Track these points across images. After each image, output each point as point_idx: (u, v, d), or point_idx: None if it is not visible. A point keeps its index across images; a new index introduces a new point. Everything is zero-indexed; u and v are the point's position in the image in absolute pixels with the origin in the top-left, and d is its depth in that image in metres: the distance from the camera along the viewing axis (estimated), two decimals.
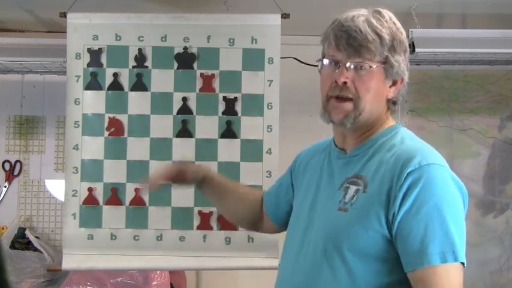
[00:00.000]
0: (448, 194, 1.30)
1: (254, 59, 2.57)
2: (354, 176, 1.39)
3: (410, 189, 1.28)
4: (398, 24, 1.42)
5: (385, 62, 1.38)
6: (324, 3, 2.77)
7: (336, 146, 1.50)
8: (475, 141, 3.26)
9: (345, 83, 1.37)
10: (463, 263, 1.27)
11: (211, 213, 2.56)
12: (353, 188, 1.37)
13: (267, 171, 2.55)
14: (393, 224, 1.29)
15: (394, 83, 1.42)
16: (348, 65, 1.37)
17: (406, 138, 1.42)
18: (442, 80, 3.26)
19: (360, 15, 1.38)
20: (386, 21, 1.39)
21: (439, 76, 3.25)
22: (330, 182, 1.45)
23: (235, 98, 2.58)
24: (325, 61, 1.41)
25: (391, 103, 1.46)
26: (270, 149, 2.56)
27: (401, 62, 1.40)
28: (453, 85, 3.27)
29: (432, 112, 3.26)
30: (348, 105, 1.38)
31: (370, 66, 1.36)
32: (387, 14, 1.42)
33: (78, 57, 2.58)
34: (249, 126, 2.57)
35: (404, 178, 1.29)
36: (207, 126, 2.57)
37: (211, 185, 1.77)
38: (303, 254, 1.43)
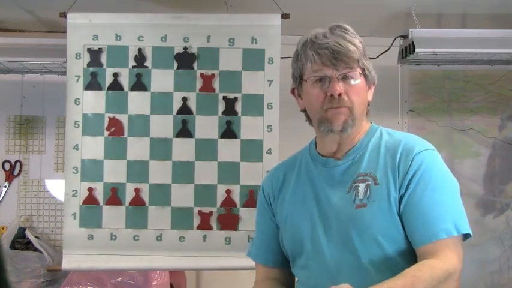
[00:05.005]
0: (447, 175, 1.48)
1: (254, 59, 2.57)
2: (359, 175, 1.49)
3: (416, 171, 1.43)
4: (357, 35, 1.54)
5: (363, 69, 1.50)
6: (323, 3, 2.77)
7: (320, 155, 1.56)
8: (475, 141, 3.26)
9: (340, 94, 1.46)
10: (468, 234, 1.43)
11: (211, 213, 2.56)
12: (362, 185, 1.47)
13: (267, 171, 2.54)
14: (401, 205, 1.43)
15: (369, 87, 1.54)
16: (338, 77, 1.46)
17: (391, 132, 1.56)
18: (442, 80, 3.26)
19: (325, 32, 1.48)
20: (352, 33, 1.50)
21: (439, 76, 3.25)
22: (333, 189, 1.51)
23: (235, 98, 2.57)
24: (310, 80, 1.49)
25: (367, 105, 1.57)
26: (270, 149, 2.56)
27: (371, 66, 1.53)
28: (453, 85, 3.27)
29: (432, 112, 3.26)
30: (346, 110, 1.48)
31: (360, 74, 1.48)
32: (347, 26, 1.52)
33: (78, 57, 2.58)
34: (249, 126, 2.57)
35: (411, 162, 1.44)
36: (207, 126, 2.57)
37: None
38: (336, 258, 1.47)
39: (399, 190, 1.44)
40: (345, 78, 1.47)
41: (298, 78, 1.54)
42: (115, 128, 2.58)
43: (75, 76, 2.58)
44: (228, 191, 2.56)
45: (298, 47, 1.54)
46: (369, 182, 1.46)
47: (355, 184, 1.48)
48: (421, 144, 1.49)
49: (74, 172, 2.56)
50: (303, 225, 1.54)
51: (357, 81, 1.47)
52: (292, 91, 1.59)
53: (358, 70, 1.48)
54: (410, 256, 1.43)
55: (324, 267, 1.49)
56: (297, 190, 1.58)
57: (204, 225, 2.55)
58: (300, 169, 1.61)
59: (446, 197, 1.44)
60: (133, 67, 2.58)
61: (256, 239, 1.71)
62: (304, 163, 1.61)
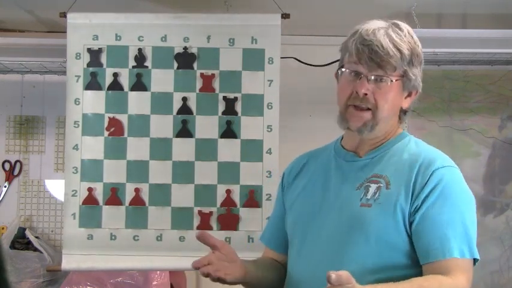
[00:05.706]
0: (467, 195, 1.46)
1: (254, 59, 2.57)
2: (373, 176, 1.47)
3: (435, 186, 1.40)
4: (416, 38, 1.51)
5: (403, 76, 1.47)
6: (323, 3, 2.77)
7: (344, 149, 1.56)
8: (475, 141, 3.26)
9: (366, 94, 1.44)
10: (476, 259, 1.42)
11: (211, 213, 2.56)
12: (374, 186, 1.45)
13: (267, 171, 2.55)
14: (414, 216, 1.40)
15: (409, 94, 1.53)
16: (369, 77, 1.44)
17: (419, 143, 1.54)
18: (442, 80, 3.26)
19: (379, 28, 1.45)
20: (405, 35, 1.47)
21: (439, 76, 3.25)
22: (344, 183, 1.51)
23: (235, 98, 2.57)
24: (346, 71, 1.48)
25: (403, 113, 1.55)
26: (270, 149, 2.56)
27: (417, 74, 1.50)
28: (453, 85, 3.27)
29: (432, 112, 3.25)
30: (367, 115, 1.46)
31: (391, 80, 1.45)
32: (405, 27, 1.49)
33: (78, 57, 2.58)
34: (249, 126, 2.57)
35: (429, 176, 1.41)
36: (207, 126, 2.57)
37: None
38: (324, 249, 1.47)
39: (413, 202, 1.40)
40: (377, 80, 1.44)
41: (340, 64, 1.52)
42: (115, 128, 2.58)
43: (75, 76, 2.58)
44: (228, 191, 2.56)
45: (349, 34, 1.50)
46: (381, 185, 1.44)
47: (367, 183, 1.47)
48: (443, 160, 1.46)
49: (73, 172, 2.56)
50: (304, 213, 1.55)
51: (388, 84, 1.45)
52: (336, 75, 1.56)
53: (394, 76, 1.45)
54: (401, 269, 1.40)
55: (311, 258, 1.49)
56: (312, 179, 1.59)
57: (204, 225, 2.55)
58: (321, 160, 1.61)
59: (465, 218, 1.41)
60: (133, 67, 2.58)
61: (268, 222, 1.76)
62: (326, 154, 1.61)
